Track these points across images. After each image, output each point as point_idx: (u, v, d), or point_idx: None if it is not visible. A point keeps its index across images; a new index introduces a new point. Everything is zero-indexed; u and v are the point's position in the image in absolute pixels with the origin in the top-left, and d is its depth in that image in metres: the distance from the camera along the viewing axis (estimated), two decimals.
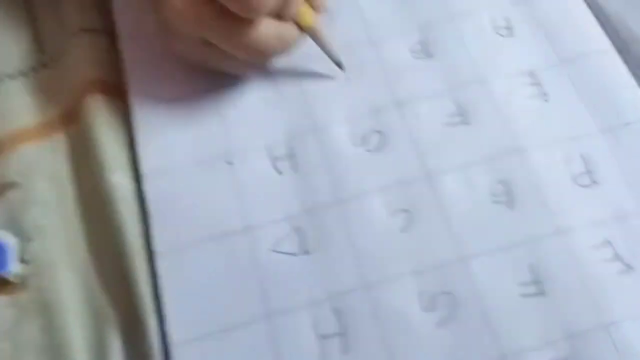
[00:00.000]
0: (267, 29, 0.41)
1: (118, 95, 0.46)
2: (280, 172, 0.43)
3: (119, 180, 0.42)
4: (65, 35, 0.47)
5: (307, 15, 0.43)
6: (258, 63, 0.45)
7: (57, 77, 0.47)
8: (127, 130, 0.45)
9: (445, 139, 0.43)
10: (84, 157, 0.43)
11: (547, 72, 0.46)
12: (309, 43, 0.45)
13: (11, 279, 0.40)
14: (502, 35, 0.47)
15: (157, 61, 0.47)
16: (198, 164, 0.43)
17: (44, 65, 0.48)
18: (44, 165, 0.43)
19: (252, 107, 0.46)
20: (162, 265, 0.40)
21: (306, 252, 0.41)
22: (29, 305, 0.39)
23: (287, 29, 0.42)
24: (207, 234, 0.41)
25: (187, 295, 0.39)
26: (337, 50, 0.45)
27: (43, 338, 0.38)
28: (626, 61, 0.46)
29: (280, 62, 0.47)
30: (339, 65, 0.46)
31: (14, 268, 0.40)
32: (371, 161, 0.43)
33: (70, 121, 0.45)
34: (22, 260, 0.40)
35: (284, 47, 0.43)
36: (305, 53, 0.46)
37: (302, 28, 0.44)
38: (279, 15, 0.42)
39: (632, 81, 0.45)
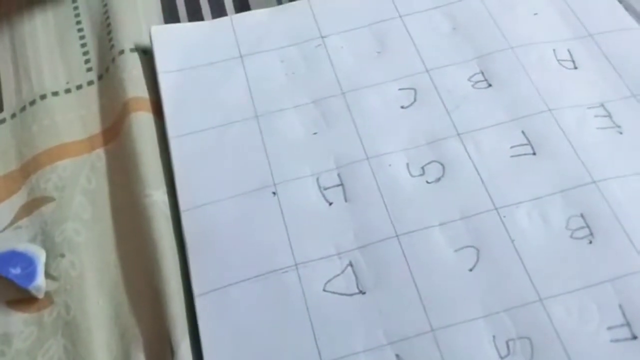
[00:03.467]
0: None
1: (159, 113, 0.44)
2: (330, 203, 0.39)
3: (159, 198, 0.40)
4: (112, 55, 0.47)
5: None
6: None
7: (101, 94, 0.47)
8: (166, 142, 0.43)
9: (513, 170, 0.40)
10: (124, 174, 0.42)
11: (618, 104, 0.42)
12: None
13: (37, 294, 0.38)
14: (566, 68, 0.44)
15: (195, 90, 0.45)
16: (239, 196, 0.40)
17: (90, 83, 0.48)
18: (82, 181, 0.42)
19: (297, 134, 0.43)
20: (201, 307, 0.36)
21: (362, 292, 0.36)
22: (53, 322, 0.37)
23: None
24: (251, 272, 0.37)
25: (229, 340, 0.35)
26: None
27: (65, 358, 0.36)
28: None
29: None
30: None
31: (41, 283, 0.38)
32: (432, 193, 0.39)
33: (112, 137, 0.44)
34: (50, 276, 0.39)
35: None
36: None
37: None
38: None
39: None
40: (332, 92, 0.44)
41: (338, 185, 0.40)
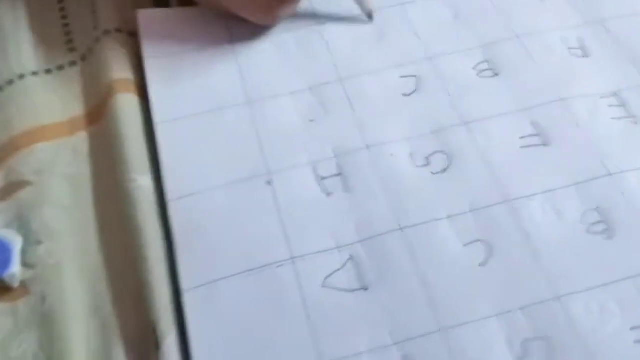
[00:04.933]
0: None
1: (145, 96, 0.42)
2: (328, 193, 0.37)
3: (144, 183, 0.38)
4: (95, 35, 0.46)
5: None
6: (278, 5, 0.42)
7: (84, 75, 0.45)
8: (151, 127, 0.41)
9: (523, 161, 0.38)
10: (108, 157, 0.40)
11: (632, 93, 0.40)
12: None
13: (12, 283, 0.36)
14: (576, 56, 0.42)
15: (183, 75, 0.43)
16: (230, 184, 0.37)
17: (72, 64, 0.46)
18: (62, 165, 0.41)
19: (292, 121, 0.40)
20: (190, 303, 0.33)
21: (364, 288, 0.33)
22: (29, 313, 0.35)
23: None
24: (243, 266, 0.34)
25: (219, 338, 0.32)
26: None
27: (41, 350, 0.34)
28: None
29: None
30: (369, 15, 0.44)
31: (16, 271, 0.36)
32: (438, 184, 0.37)
33: (94, 120, 0.42)
34: (25, 264, 0.37)
35: None
36: None
37: None
38: None
39: None
40: (329, 78, 0.42)
41: (337, 175, 0.38)
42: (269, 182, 0.37)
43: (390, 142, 0.39)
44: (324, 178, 0.37)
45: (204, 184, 0.37)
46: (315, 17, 0.43)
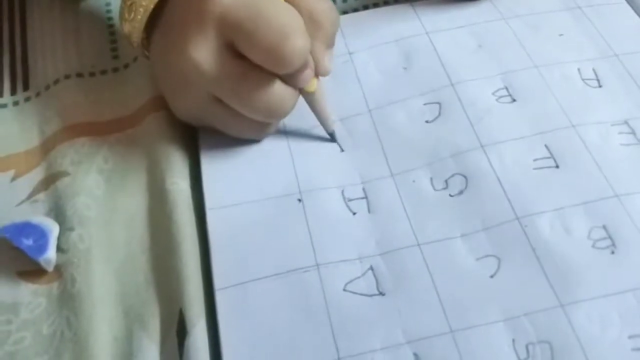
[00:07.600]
0: (283, 90, 0.40)
1: None
2: (354, 213, 0.40)
3: (184, 187, 0.41)
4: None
5: (313, 81, 0.42)
6: (269, 125, 0.43)
7: (128, 81, 0.48)
8: (187, 139, 0.44)
9: (535, 181, 0.40)
10: (145, 158, 0.43)
11: None
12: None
13: (47, 267, 0.38)
14: (590, 86, 0.45)
15: None
16: (265, 200, 0.41)
17: (114, 70, 0.49)
18: (99, 160, 0.43)
19: (325, 152, 0.44)
20: (222, 301, 0.37)
21: (381, 294, 0.36)
22: (60, 295, 0.38)
23: (294, 92, 0.41)
24: (272, 270, 0.38)
25: (247, 334, 0.35)
26: (332, 120, 0.44)
27: (68, 330, 0.36)
28: None
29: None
30: (331, 136, 0.44)
31: (51, 256, 0.38)
32: (454, 206, 0.40)
33: (134, 123, 0.45)
34: (60, 249, 0.39)
35: (291, 109, 0.42)
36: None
37: (302, 92, 0.42)
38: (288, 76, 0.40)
39: None
40: (359, 110, 0.45)
41: (362, 198, 0.41)
42: (300, 200, 0.40)
43: (413, 169, 0.42)
44: (350, 200, 0.41)
45: (241, 198, 0.41)
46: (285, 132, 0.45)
